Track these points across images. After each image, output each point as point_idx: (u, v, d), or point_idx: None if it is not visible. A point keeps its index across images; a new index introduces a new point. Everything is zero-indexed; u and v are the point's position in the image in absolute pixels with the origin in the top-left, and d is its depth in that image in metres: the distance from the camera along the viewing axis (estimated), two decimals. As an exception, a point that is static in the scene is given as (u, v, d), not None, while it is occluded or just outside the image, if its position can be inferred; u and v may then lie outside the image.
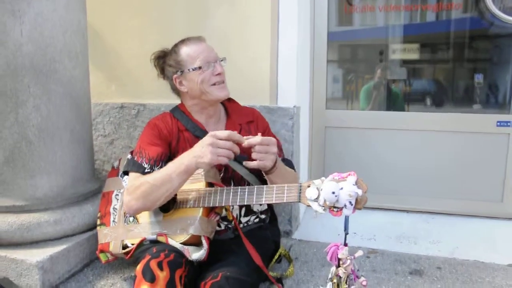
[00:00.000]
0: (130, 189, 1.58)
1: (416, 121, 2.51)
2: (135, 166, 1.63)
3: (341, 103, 2.74)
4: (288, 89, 2.22)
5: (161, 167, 1.59)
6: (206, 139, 1.42)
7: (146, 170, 1.60)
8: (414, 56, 2.65)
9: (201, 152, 1.41)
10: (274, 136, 1.80)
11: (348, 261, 1.21)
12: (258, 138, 1.45)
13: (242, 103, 1.87)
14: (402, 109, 2.68)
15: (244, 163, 1.48)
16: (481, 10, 2.42)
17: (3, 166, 1.86)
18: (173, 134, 1.72)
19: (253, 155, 1.46)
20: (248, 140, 1.45)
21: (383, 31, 2.66)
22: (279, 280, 1.73)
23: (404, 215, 2.52)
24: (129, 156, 1.75)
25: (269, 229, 1.82)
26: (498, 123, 2.37)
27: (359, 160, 2.59)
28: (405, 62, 2.68)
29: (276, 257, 1.83)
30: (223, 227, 1.70)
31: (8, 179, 1.87)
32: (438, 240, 2.19)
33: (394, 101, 2.71)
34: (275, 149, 1.48)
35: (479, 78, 2.52)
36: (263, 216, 1.81)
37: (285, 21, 2.19)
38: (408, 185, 2.54)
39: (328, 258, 1.23)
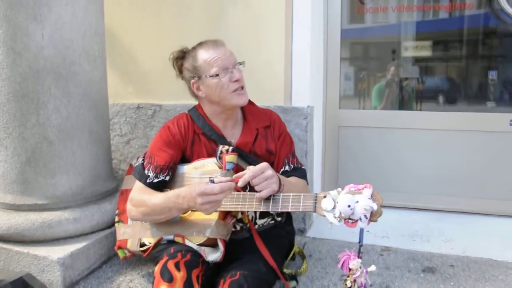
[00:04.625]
0: (133, 201, 1.68)
1: (429, 120, 2.51)
2: (139, 175, 1.71)
3: (353, 101, 2.75)
4: (302, 89, 2.24)
5: (167, 174, 1.68)
6: (197, 199, 1.40)
7: (149, 180, 1.67)
8: (427, 53, 2.65)
9: (194, 204, 1.44)
10: (291, 140, 1.85)
11: (359, 273, 1.23)
12: (249, 172, 1.46)
13: (256, 103, 1.88)
14: (412, 108, 2.69)
15: (256, 195, 1.47)
16: (494, 9, 2.41)
17: (25, 165, 1.92)
18: (188, 138, 1.73)
19: (256, 188, 1.46)
20: (242, 180, 1.46)
21: (395, 29, 2.66)
22: (294, 277, 1.76)
23: (417, 214, 2.54)
24: (140, 159, 1.80)
25: (284, 228, 1.84)
26: (511, 122, 2.37)
27: (372, 159, 2.61)
28: (417, 60, 2.68)
29: (290, 255, 1.86)
30: (238, 228, 1.72)
31: (30, 178, 1.93)
32: (451, 238, 2.20)
33: (406, 100, 2.71)
34: (271, 171, 1.47)
35: (493, 75, 2.51)
36: (279, 219, 1.83)
37: (298, 21, 2.22)
38: (421, 183, 2.56)
39: (339, 266, 1.26)
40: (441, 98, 2.67)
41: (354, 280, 1.22)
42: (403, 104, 2.70)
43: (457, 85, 2.65)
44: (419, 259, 1.99)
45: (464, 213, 2.49)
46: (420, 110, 2.66)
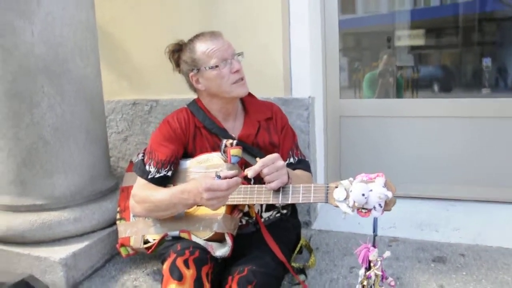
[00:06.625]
0: (136, 197, 1.63)
1: (431, 108, 2.46)
2: (140, 171, 1.67)
3: (348, 92, 2.70)
4: (302, 79, 2.19)
5: (169, 169, 1.63)
6: (204, 194, 1.36)
7: (150, 176, 1.62)
8: (420, 42, 2.61)
9: (200, 199, 1.40)
10: (293, 132, 1.81)
11: (379, 263, 1.20)
12: (260, 162, 1.42)
13: (256, 95, 1.84)
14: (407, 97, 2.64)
15: (265, 186, 1.43)
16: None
17: (21, 167, 1.86)
18: (190, 132, 1.69)
19: (266, 179, 1.42)
20: (252, 170, 1.42)
21: (388, 18, 2.62)
22: (302, 271, 1.73)
23: (423, 203, 2.49)
24: (140, 155, 1.76)
25: (289, 221, 1.80)
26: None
27: (375, 149, 2.56)
28: (412, 48, 2.65)
29: (297, 249, 1.82)
30: (244, 222, 1.68)
31: (26, 179, 1.87)
32: (459, 227, 2.16)
33: (400, 89, 2.67)
34: (281, 162, 1.44)
35: (487, 62, 2.47)
36: (284, 211, 1.79)
37: (296, 10, 2.16)
38: (426, 172, 2.50)
39: (360, 260, 1.22)
40: (436, 86, 2.64)
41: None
42: (397, 93, 2.65)
43: (451, 73, 2.62)
44: (428, 249, 1.95)
45: (470, 201, 2.45)
46: (421, 98, 2.62)
